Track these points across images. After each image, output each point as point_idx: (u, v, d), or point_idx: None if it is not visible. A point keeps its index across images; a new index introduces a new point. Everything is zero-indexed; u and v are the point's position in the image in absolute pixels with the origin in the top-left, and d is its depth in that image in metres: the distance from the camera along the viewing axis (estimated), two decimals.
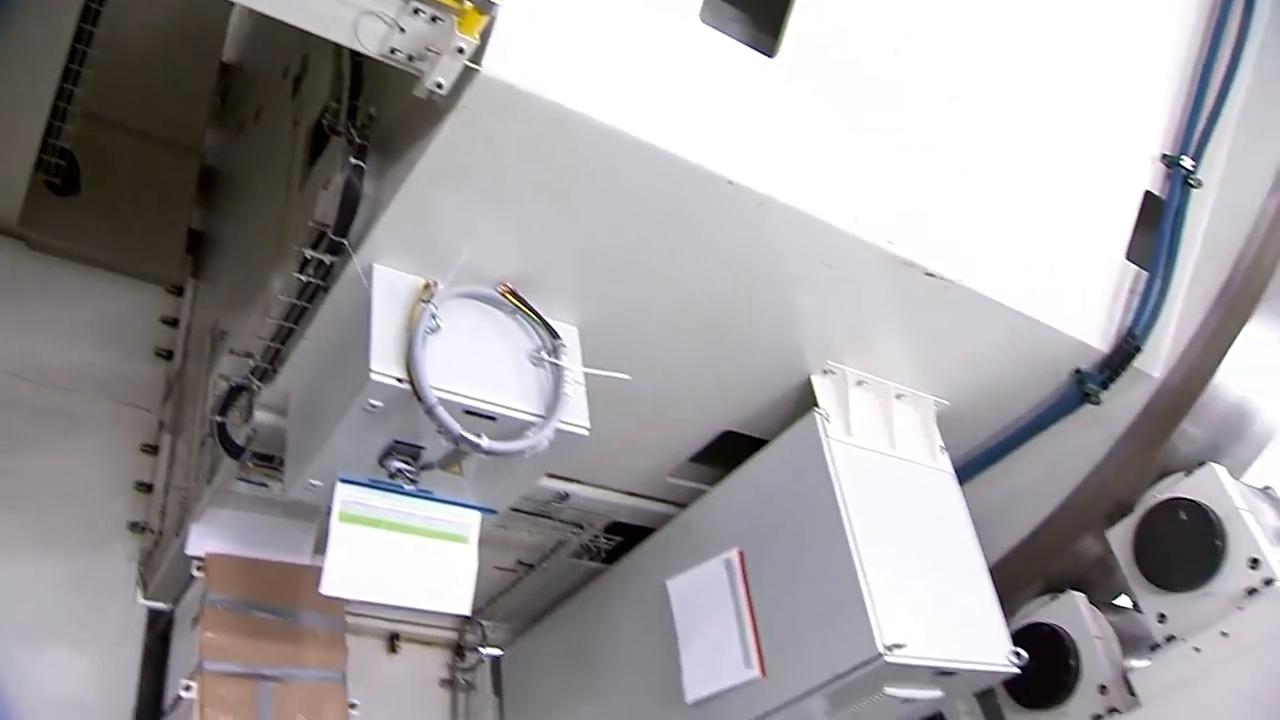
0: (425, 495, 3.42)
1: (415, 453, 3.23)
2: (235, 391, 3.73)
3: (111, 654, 4.39)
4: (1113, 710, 4.00)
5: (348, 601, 4.30)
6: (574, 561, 4.66)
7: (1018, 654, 3.70)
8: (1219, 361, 4.07)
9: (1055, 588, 4.38)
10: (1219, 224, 4.18)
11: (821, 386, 3.82)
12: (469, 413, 3.08)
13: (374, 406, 3.03)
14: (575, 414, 3.25)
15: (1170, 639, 3.92)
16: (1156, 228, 4.06)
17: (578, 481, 4.21)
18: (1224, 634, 3.75)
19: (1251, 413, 4.30)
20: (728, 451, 4.08)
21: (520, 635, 5.13)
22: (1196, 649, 3.80)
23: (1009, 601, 4.37)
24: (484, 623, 5.11)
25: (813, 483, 3.65)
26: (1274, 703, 3.61)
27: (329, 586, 3.25)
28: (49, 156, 4.81)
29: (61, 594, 4.42)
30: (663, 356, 3.66)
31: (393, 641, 5.03)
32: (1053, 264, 3.86)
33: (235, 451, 3.77)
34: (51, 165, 4.88)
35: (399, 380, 2.98)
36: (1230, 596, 3.81)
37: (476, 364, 3.17)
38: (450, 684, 5.10)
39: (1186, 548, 3.96)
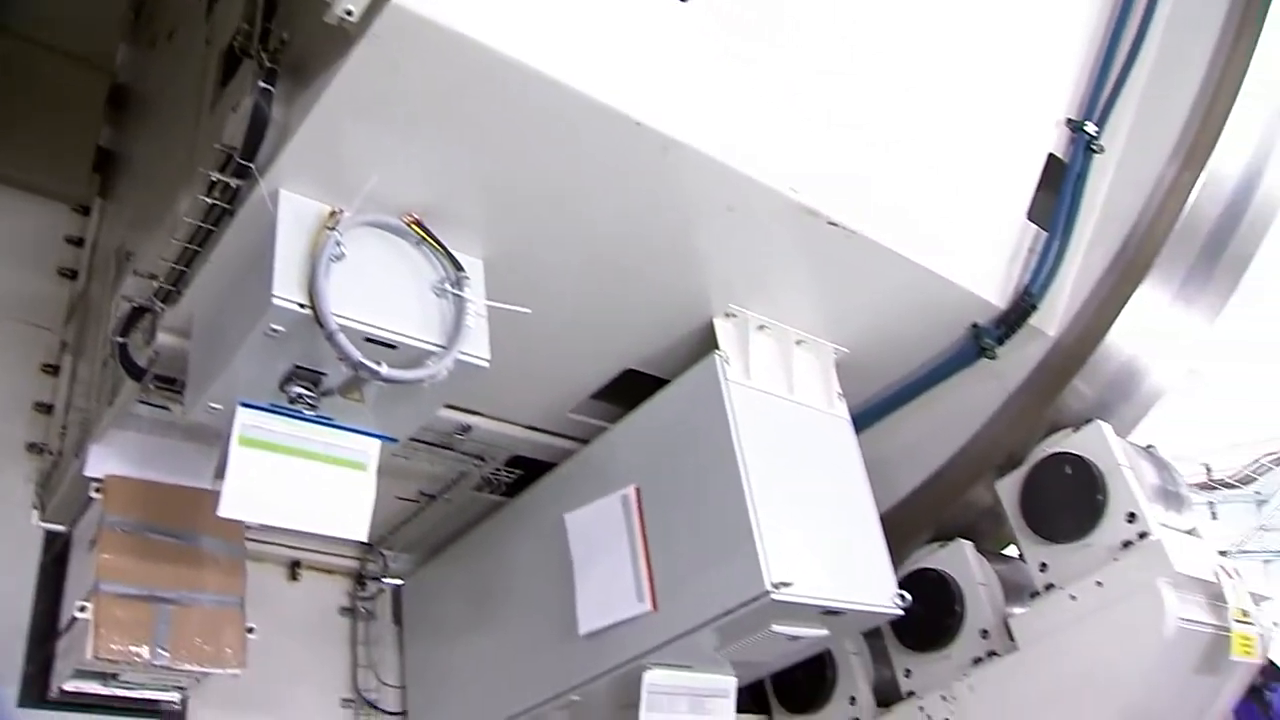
0: (326, 422, 3.46)
1: (316, 379, 3.29)
2: (138, 313, 3.74)
3: (6, 575, 4.39)
4: (992, 653, 4.20)
5: (249, 528, 4.35)
6: (476, 494, 4.73)
7: (902, 597, 3.87)
8: (1111, 323, 4.23)
9: (946, 536, 4.56)
10: (1119, 190, 4.33)
11: (723, 329, 3.92)
12: (370, 340, 3.13)
13: (275, 331, 3.07)
14: (476, 345, 3.32)
15: (1049, 587, 4.12)
16: (1058, 190, 4.21)
17: (480, 414, 4.29)
18: (1099, 583, 3.95)
19: (1140, 373, 4.49)
20: (630, 390, 4.18)
21: (422, 566, 5.23)
22: (1073, 597, 4.00)
23: (901, 548, 4.57)
24: (385, 552, 5.19)
25: (710, 423, 3.76)
26: (1140, 648, 3.82)
27: (226, 508, 3.29)
28: None
29: None
30: (567, 293, 3.73)
31: (294, 569, 5.08)
32: (955, 220, 4.00)
33: (137, 373, 3.79)
34: None
35: (301, 305, 3.02)
36: (1108, 548, 4.02)
37: (379, 292, 3.21)
38: (350, 612, 5.17)
39: (1070, 501, 4.15)
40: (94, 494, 4.07)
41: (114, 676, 4.06)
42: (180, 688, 4.23)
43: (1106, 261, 4.31)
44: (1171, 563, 3.83)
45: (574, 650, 4.06)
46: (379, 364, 3.08)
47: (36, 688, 4.26)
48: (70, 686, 4.07)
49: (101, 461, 4.09)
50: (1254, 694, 4.91)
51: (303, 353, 3.19)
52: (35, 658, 4.30)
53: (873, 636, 4.64)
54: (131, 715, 4.31)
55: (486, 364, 3.34)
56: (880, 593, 3.84)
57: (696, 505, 3.76)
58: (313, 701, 4.90)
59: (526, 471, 4.63)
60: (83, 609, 3.84)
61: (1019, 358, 4.36)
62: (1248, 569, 9.93)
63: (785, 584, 3.46)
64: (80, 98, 5.41)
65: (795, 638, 3.77)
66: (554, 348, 3.99)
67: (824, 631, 3.83)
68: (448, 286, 3.32)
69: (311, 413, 3.35)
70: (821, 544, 3.73)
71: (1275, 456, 6.59)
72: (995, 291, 4.17)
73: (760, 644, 3.77)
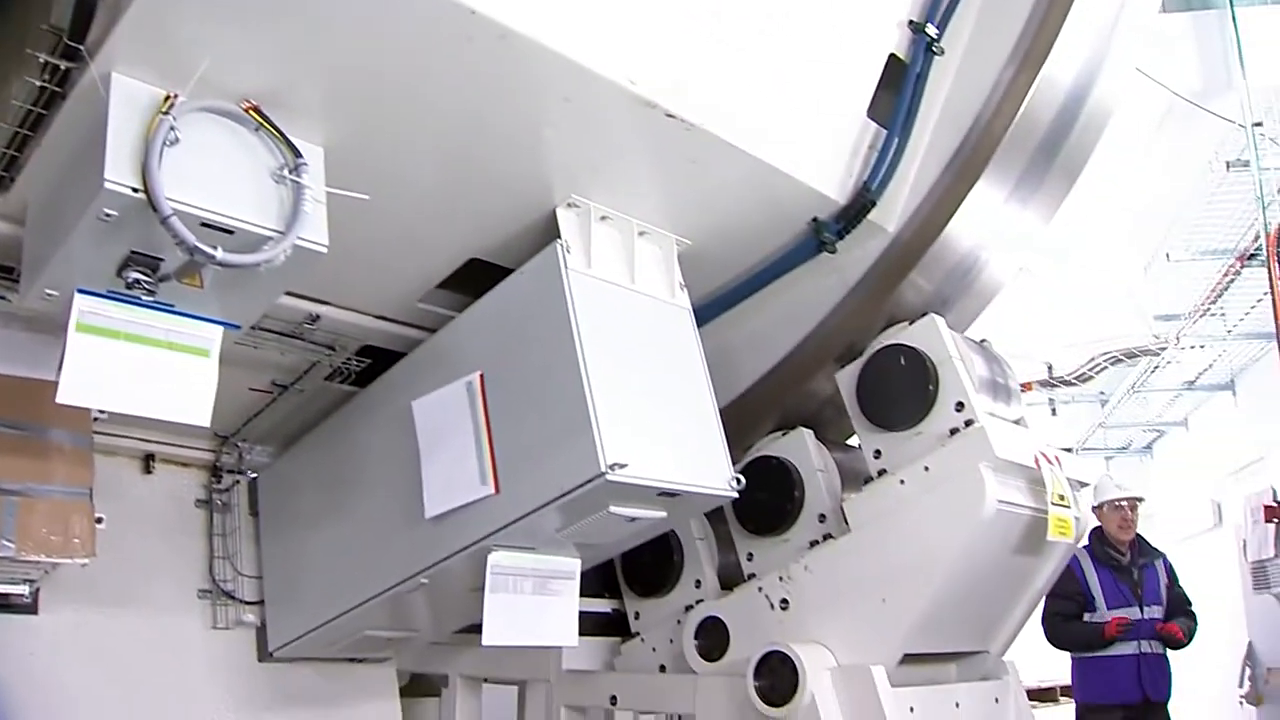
0: (166, 308, 3.56)
1: (153, 264, 3.38)
2: None
3: None
4: (828, 536, 4.50)
5: (98, 420, 4.44)
6: (328, 384, 4.86)
7: (738, 480, 4.13)
8: (947, 220, 4.47)
9: (789, 424, 4.83)
10: (958, 91, 4.52)
11: (565, 219, 4.08)
12: (206, 225, 3.23)
13: (108, 216, 3.16)
14: (314, 231, 3.43)
15: (882, 473, 4.42)
16: (898, 90, 4.42)
17: (328, 303, 4.40)
18: (926, 468, 4.24)
19: (976, 269, 4.77)
20: (476, 279, 4.32)
21: (277, 457, 5.36)
22: (902, 481, 4.29)
23: (745, 436, 4.87)
24: (240, 444, 5.31)
25: (551, 311, 3.93)
26: (962, 528, 4.13)
27: (65, 395, 3.38)
28: None
29: None
30: (409, 181, 3.85)
31: (148, 462, 5.16)
32: (796, 116, 4.17)
33: None
34: None
35: (134, 190, 3.10)
36: (937, 436, 4.32)
37: (216, 178, 3.30)
38: (206, 504, 5.28)
39: (903, 390, 4.43)
40: None
41: None
42: (29, 580, 4.32)
43: (944, 160, 4.53)
44: (993, 448, 4.13)
45: (422, 535, 4.26)
46: (214, 248, 3.19)
47: None
48: None
49: None
50: (1122, 571, 5.68)
51: (138, 238, 3.28)
52: None
53: (718, 522, 4.92)
54: None
55: (324, 249, 3.46)
56: (716, 476, 4.09)
57: (537, 390, 3.95)
58: (168, 593, 5.03)
59: (378, 361, 4.77)
60: None
61: (860, 253, 4.60)
62: (1091, 465, 10.51)
63: (620, 465, 3.68)
64: None
65: (634, 519, 4.01)
66: (399, 236, 4.12)
67: (662, 514, 4.07)
68: (286, 173, 3.41)
69: (150, 299, 3.45)
70: (658, 428, 3.96)
71: (1111, 356, 7.03)
72: (835, 187, 4.38)
73: (600, 525, 4.00)
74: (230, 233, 3.29)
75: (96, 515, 4.21)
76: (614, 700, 4.91)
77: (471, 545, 4.07)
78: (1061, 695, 8.25)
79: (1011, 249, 4.83)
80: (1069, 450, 10.02)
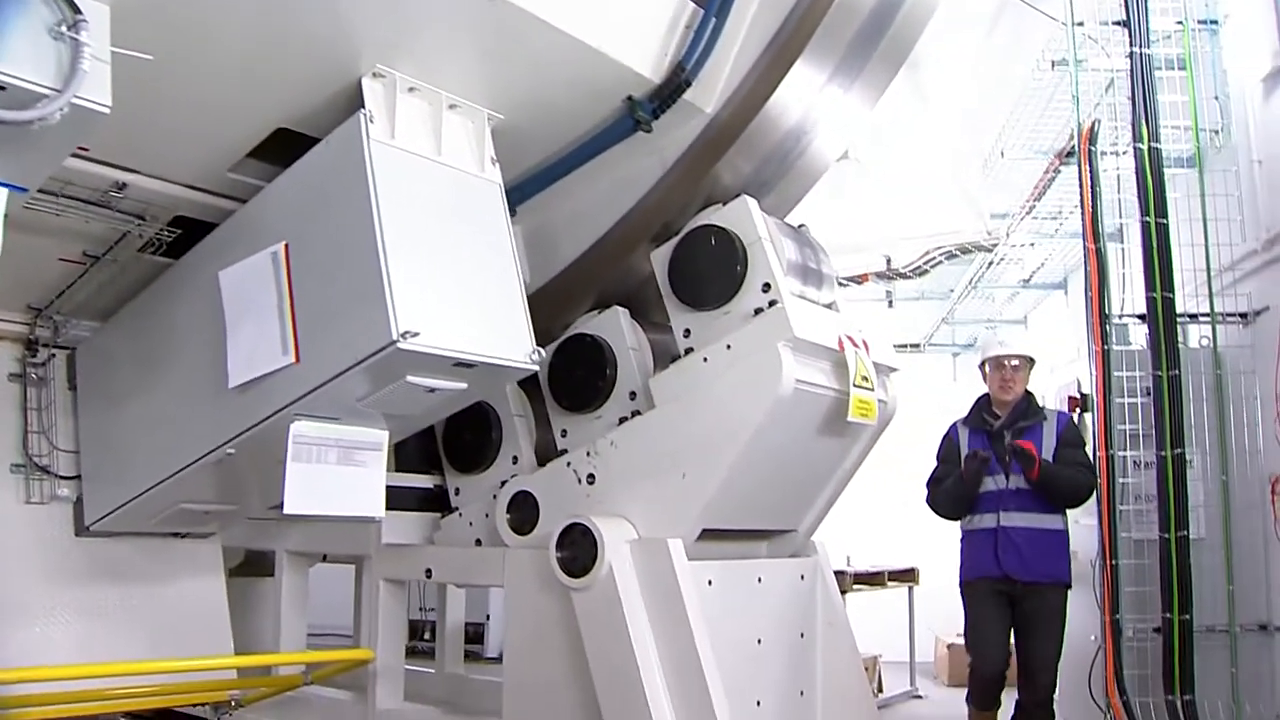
0: None
1: None
2: None
3: None
4: (637, 413, 4.71)
5: None
6: (142, 256, 4.91)
7: (538, 353, 4.31)
8: (764, 101, 4.62)
9: (608, 304, 5.01)
10: None
11: (371, 89, 4.16)
12: None
13: None
14: (94, 91, 3.45)
15: (689, 351, 4.63)
16: None
17: (135, 171, 4.44)
18: (728, 346, 4.45)
19: (795, 153, 4.93)
20: (286, 149, 4.39)
21: (95, 331, 5.42)
22: (705, 359, 4.51)
23: (565, 313, 5.07)
24: (56, 317, 5.34)
25: (351, 181, 4.03)
26: (760, 405, 4.35)
27: None
28: None
29: None
30: (210, 44, 3.87)
31: None
32: None
33: None
34: None
35: None
36: (742, 315, 4.52)
37: None
38: (20, 378, 5.34)
39: (713, 270, 4.63)
40: None
41: None
42: None
43: (765, 42, 4.68)
44: (792, 328, 4.35)
45: (229, 406, 4.38)
46: None
47: None
48: None
49: None
50: (995, 437, 5.65)
51: None
52: None
53: (537, 400, 5.12)
54: None
55: (106, 109, 3.49)
56: (515, 348, 4.26)
57: (338, 260, 4.06)
58: None
59: (192, 232, 4.82)
60: None
61: (678, 134, 4.75)
62: (939, 361, 10.88)
63: (412, 334, 3.83)
64: None
65: (433, 390, 4.19)
66: (203, 102, 4.15)
67: (461, 385, 4.24)
68: (64, 29, 3.45)
69: None
70: (456, 300, 4.11)
71: (945, 251, 7.26)
72: (650, 66, 4.51)
73: (400, 395, 4.16)
74: (1, 89, 3.33)
75: None
76: (429, 573, 5.13)
77: (273, 414, 4.21)
78: (890, 579, 8.59)
79: (834, 133, 5.00)
80: (915, 346, 10.48)
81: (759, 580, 4.79)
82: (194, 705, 5.45)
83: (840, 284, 7.59)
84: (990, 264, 7.69)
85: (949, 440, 6.19)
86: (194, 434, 4.57)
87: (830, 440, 4.82)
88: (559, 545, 4.48)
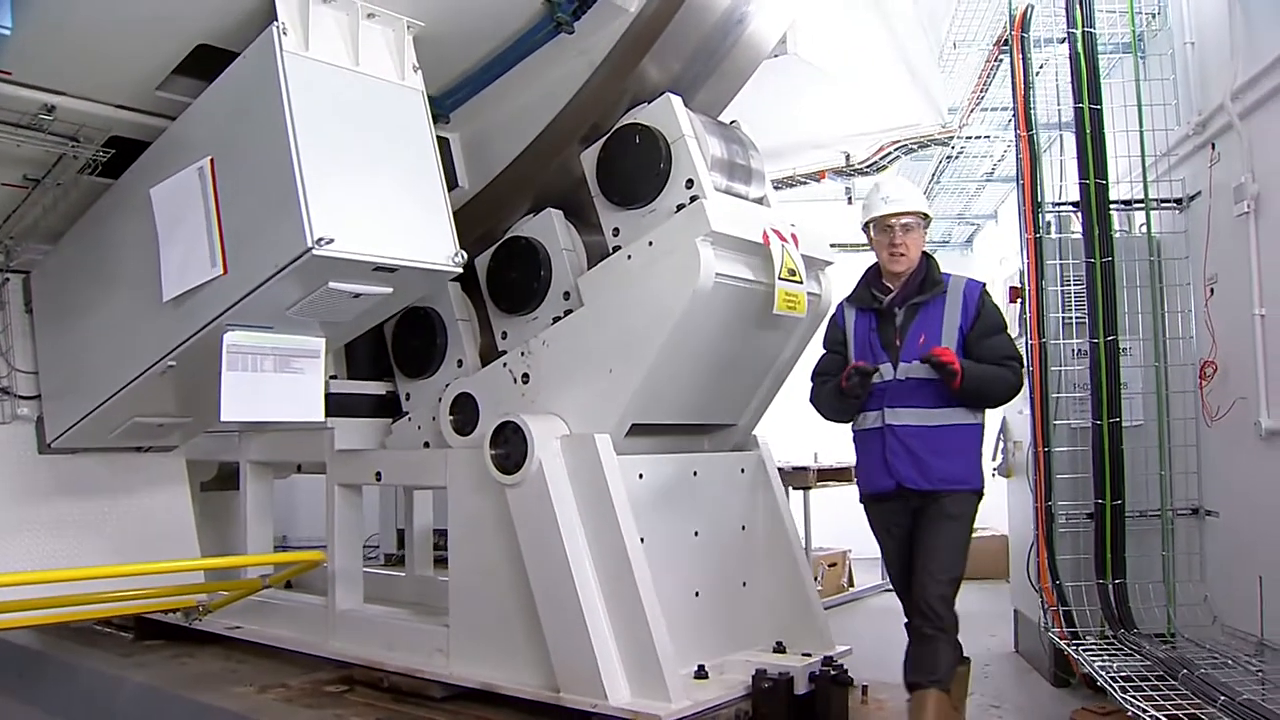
0: None
1: None
2: None
3: None
4: (569, 312, 4.88)
5: None
6: (83, 177, 5.10)
7: (461, 255, 4.48)
8: None
9: (543, 207, 5.17)
10: None
11: (283, 2, 4.29)
12: None
13: None
14: None
15: (616, 249, 4.79)
16: None
17: (62, 93, 4.61)
18: (650, 243, 4.61)
19: (726, 47, 5.03)
20: (211, 65, 4.54)
21: (47, 253, 5.65)
22: (629, 256, 4.67)
23: (502, 218, 5.23)
24: (8, 241, 5.57)
25: (266, 93, 4.18)
26: (680, 299, 4.50)
27: None
28: None
29: None
30: None
31: None
32: None
33: None
34: None
35: None
36: (666, 212, 4.67)
37: None
38: None
39: (638, 169, 4.77)
40: None
41: None
42: None
43: None
44: (710, 222, 4.48)
45: (166, 319, 4.60)
46: None
47: None
48: None
49: None
50: (883, 317, 4.67)
51: None
52: None
53: (480, 304, 5.31)
54: None
55: (6, 30, 3.69)
56: (436, 251, 4.43)
57: (258, 173, 4.23)
58: None
59: (129, 152, 5.00)
60: None
61: (604, 34, 4.86)
62: None
63: (327, 240, 4.01)
64: None
65: (357, 294, 4.38)
66: (121, 21, 4.26)
67: (385, 289, 4.42)
68: None
69: None
70: (375, 206, 4.27)
71: (902, 146, 7.23)
72: None
73: (326, 302, 4.36)
74: None
75: None
76: (379, 476, 5.38)
77: (206, 326, 4.43)
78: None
79: (765, 24, 5.07)
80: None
81: (694, 474, 4.98)
82: (166, 612, 5.76)
83: (798, 182, 7.75)
84: (949, 158, 7.74)
85: (833, 324, 4.93)
86: (139, 348, 4.80)
87: (762, 333, 4.98)
88: (492, 444, 4.69)
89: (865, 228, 4.79)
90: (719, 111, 5.25)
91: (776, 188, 6.90)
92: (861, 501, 4.84)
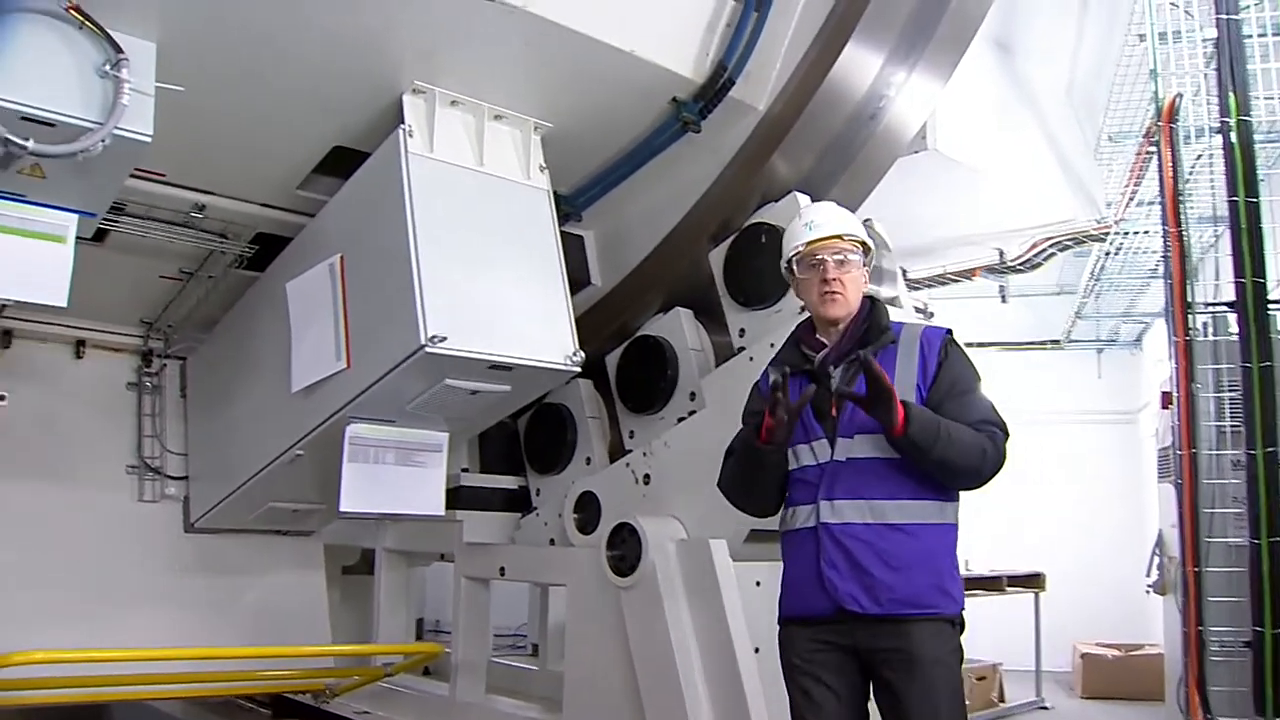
0: (18, 198, 4.06)
1: None
2: None
3: None
4: (693, 412, 4.84)
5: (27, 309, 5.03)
6: (234, 271, 5.38)
7: (579, 355, 4.50)
8: (813, 92, 4.68)
9: (674, 305, 5.16)
10: None
11: (411, 105, 4.45)
12: (27, 119, 3.70)
13: None
14: (135, 121, 3.84)
15: (740, 350, 4.74)
16: None
17: (211, 193, 4.89)
18: (771, 345, 4.52)
19: (859, 142, 4.95)
20: (346, 165, 4.74)
21: (203, 341, 5.93)
22: (750, 358, 4.61)
23: (635, 316, 5.22)
24: (167, 329, 5.89)
25: (391, 193, 4.34)
26: None
27: None
28: None
29: None
30: (260, 72, 4.25)
31: (79, 348, 5.79)
32: None
33: None
34: None
35: None
36: (792, 313, 4.59)
37: (39, 75, 3.74)
38: (136, 387, 5.92)
39: (763, 268, 4.70)
40: None
41: None
42: None
43: (815, 31, 4.73)
44: None
45: (296, 409, 4.78)
46: (26, 139, 3.66)
47: None
48: None
49: None
50: (817, 380, 3.40)
51: None
52: None
53: (611, 402, 5.31)
54: None
55: (147, 139, 3.88)
56: (554, 350, 4.47)
57: (382, 270, 4.38)
58: (98, 469, 5.71)
59: (273, 248, 5.24)
60: None
61: (732, 132, 4.86)
62: (1081, 358, 10.46)
63: (440, 338, 4.10)
64: None
65: (475, 391, 4.44)
66: (263, 126, 4.55)
67: (503, 387, 4.49)
68: (108, 68, 3.85)
69: None
70: (493, 304, 4.35)
71: (1057, 243, 6.85)
72: (690, 67, 4.64)
73: (445, 398, 4.45)
74: (51, 125, 3.73)
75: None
76: (502, 571, 5.40)
77: (330, 417, 4.58)
78: (1010, 585, 8.29)
79: (901, 120, 4.98)
80: (1055, 343, 10.14)
81: None
82: (298, 693, 5.89)
83: (950, 280, 7.55)
84: (1108, 254, 7.42)
85: (755, 393, 3.76)
86: (272, 436, 4.99)
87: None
88: (609, 544, 4.68)
89: (787, 267, 3.64)
90: (853, 209, 5.13)
91: (926, 286, 6.74)
92: (780, 626, 3.49)
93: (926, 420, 3.22)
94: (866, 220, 5.01)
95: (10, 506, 5.38)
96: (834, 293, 3.47)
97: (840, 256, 3.51)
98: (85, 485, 5.63)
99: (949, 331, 3.56)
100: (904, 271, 5.19)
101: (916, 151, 5.31)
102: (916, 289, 6.19)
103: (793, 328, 3.73)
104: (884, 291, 4.90)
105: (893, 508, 3.29)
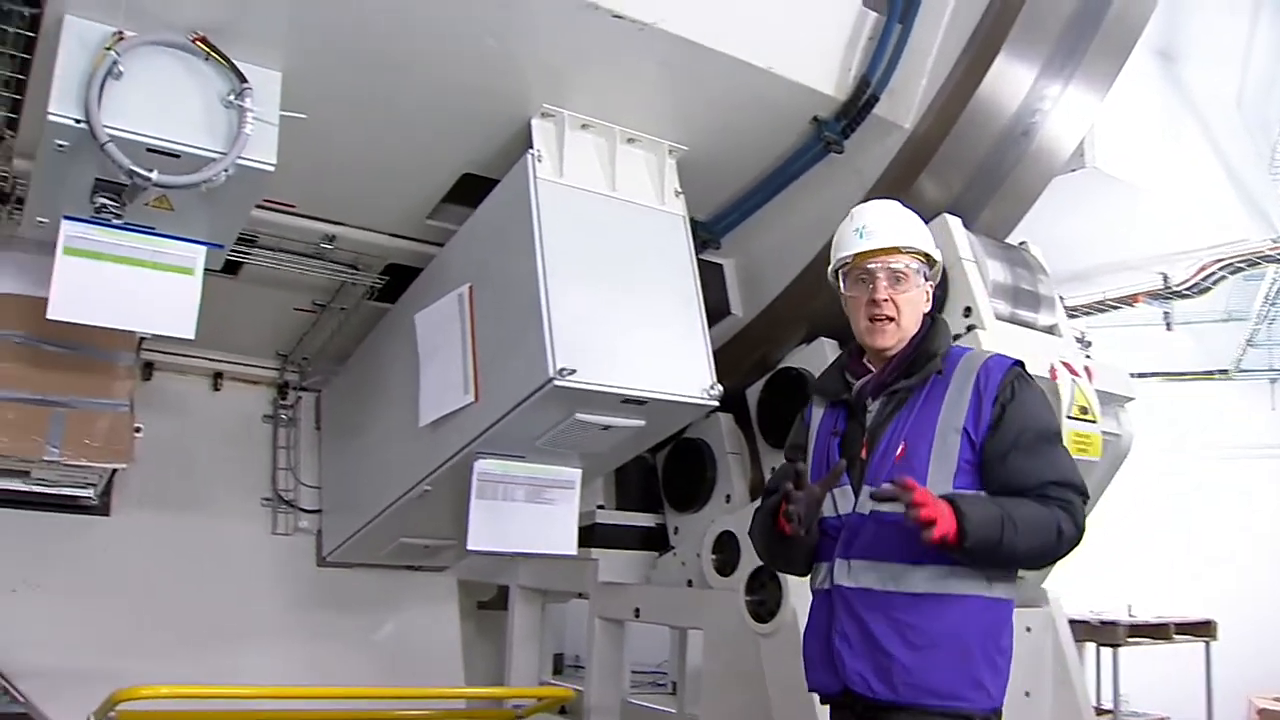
0: (147, 230, 4.00)
1: (116, 189, 3.80)
2: None
3: None
4: None
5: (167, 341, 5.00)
6: (367, 302, 5.30)
7: (717, 388, 4.25)
8: (962, 108, 4.38)
9: (817, 336, 4.87)
10: None
11: (541, 129, 4.29)
12: (152, 150, 3.63)
13: (61, 146, 3.60)
14: (259, 151, 3.76)
15: None
16: None
17: (342, 224, 4.80)
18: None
19: (1012, 161, 4.62)
20: (476, 193, 4.59)
21: (337, 373, 5.85)
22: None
23: (775, 347, 4.97)
24: (302, 362, 5.83)
25: (519, 220, 4.18)
26: None
27: (54, 312, 3.89)
28: None
29: None
30: (382, 100, 4.15)
31: (216, 380, 5.79)
32: (769, 9, 4.19)
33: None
34: None
35: (77, 121, 3.52)
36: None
37: (164, 107, 3.69)
38: (272, 419, 5.89)
39: None
40: None
41: (26, 474, 4.76)
42: (90, 484, 4.92)
43: (962, 44, 4.43)
44: None
45: (424, 444, 4.63)
46: (150, 171, 3.59)
47: None
48: None
49: None
50: (853, 413, 2.96)
51: (99, 166, 3.69)
52: None
53: (752, 437, 5.05)
54: (54, 510, 5.09)
55: (270, 168, 3.79)
56: (690, 383, 4.23)
57: (509, 300, 4.21)
58: (233, 501, 5.68)
59: (405, 278, 5.12)
60: None
61: (877, 152, 4.59)
62: (1253, 390, 9.73)
63: (569, 371, 3.89)
64: None
65: (607, 426, 4.22)
66: (392, 155, 4.45)
67: (638, 421, 4.26)
68: (233, 98, 3.75)
69: (119, 221, 3.89)
70: (624, 335, 4.14)
71: (1227, 265, 6.31)
72: (832, 83, 4.39)
73: (577, 433, 4.24)
74: (176, 156, 3.66)
75: (135, 425, 4.70)
76: (637, 613, 5.16)
77: (458, 453, 4.41)
78: (1177, 633, 7.67)
79: (1056, 136, 4.65)
80: (1224, 372, 9.51)
81: None
82: None
83: (1109, 307, 7.11)
84: None
85: (799, 424, 3.26)
86: (401, 471, 4.86)
87: None
88: (748, 589, 4.46)
89: (833, 277, 3.11)
90: (1006, 232, 4.82)
91: (1084, 313, 6.36)
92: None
93: (984, 522, 2.60)
94: (1021, 243, 4.73)
95: (146, 537, 5.38)
96: (883, 318, 2.93)
97: (898, 271, 2.95)
98: (220, 517, 5.62)
99: (1018, 364, 2.95)
100: (1061, 299, 4.83)
101: (1074, 169, 4.99)
102: (1074, 316, 5.82)
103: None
104: (1041, 319, 4.58)
105: (922, 574, 2.74)
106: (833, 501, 2.88)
